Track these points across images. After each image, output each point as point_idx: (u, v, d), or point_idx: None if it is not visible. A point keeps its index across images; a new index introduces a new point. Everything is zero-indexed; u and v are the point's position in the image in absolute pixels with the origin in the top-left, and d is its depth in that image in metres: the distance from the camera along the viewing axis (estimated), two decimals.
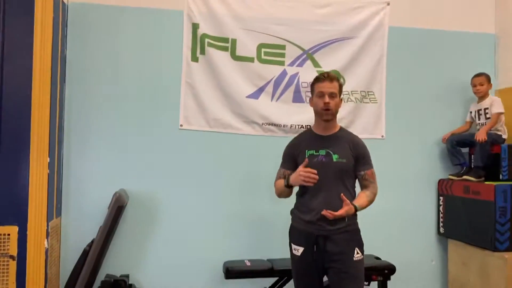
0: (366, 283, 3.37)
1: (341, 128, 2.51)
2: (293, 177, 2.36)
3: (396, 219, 3.81)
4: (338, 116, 3.65)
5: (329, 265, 2.32)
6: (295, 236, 2.46)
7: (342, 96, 2.49)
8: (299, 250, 2.39)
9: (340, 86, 2.43)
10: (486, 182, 3.42)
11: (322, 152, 2.37)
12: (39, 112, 2.90)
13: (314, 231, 2.33)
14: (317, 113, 2.45)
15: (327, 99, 2.33)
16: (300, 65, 3.68)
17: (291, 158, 2.49)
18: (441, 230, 3.85)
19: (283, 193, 2.50)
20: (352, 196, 2.43)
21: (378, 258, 3.47)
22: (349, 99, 3.74)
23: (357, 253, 2.34)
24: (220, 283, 3.45)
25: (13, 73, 2.86)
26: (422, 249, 3.89)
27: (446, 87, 3.97)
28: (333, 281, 2.33)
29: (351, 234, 2.37)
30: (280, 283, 3.19)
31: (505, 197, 3.26)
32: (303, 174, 2.26)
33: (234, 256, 3.37)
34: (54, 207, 3.14)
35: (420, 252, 3.88)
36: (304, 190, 2.44)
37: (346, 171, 2.38)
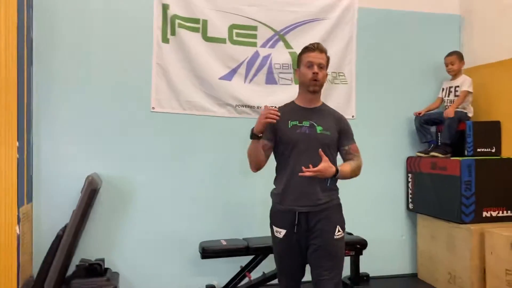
0: None
1: (324, 103, 2.43)
2: (257, 122, 2.21)
3: (367, 197, 3.92)
4: None
5: (309, 242, 2.26)
6: (276, 217, 2.36)
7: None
8: (281, 233, 2.30)
9: (328, 59, 2.36)
10: (452, 158, 3.55)
11: (306, 123, 2.28)
12: (6, 96, 2.82)
13: (295, 208, 2.25)
14: (303, 84, 2.33)
15: (315, 69, 2.25)
16: (272, 46, 3.70)
17: (271, 128, 2.30)
18: (410, 206, 3.98)
19: (253, 152, 2.30)
20: (328, 183, 2.30)
21: (350, 234, 3.57)
22: None
23: (338, 231, 2.28)
24: (197, 263, 3.48)
25: None
26: (393, 224, 4.03)
27: (415, 67, 4.09)
28: (312, 258, 2.27)
29: (333, 211, 2.30)
30: (256, 261, 3.24)
31: (469, 172, 3.40)
32: (263, 112, 2.17)
33: (210, 236, 3.39)
34: (25, 193, 3.08)
35: (391, 228, 4.02)
36: (283, 165, 2.33)
37: (329, 144, 2.28)
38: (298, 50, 3.64)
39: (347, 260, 3.56)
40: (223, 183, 3.64)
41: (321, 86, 2.34)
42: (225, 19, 3.59)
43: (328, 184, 2.28)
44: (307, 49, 2.33)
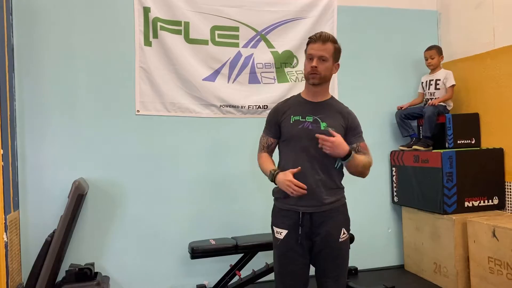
0: None
1: (333, 97, 2.28)
2: (280, 181, 2.08)
3: (352, 192, 3.94)
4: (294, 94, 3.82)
5: (313, 244, 2.15)
6: (277, 217, 2.22)
7: (338, 62, 2.24)
8: (282, 233, 2.16)
9: (336, 50, 2.17)
10: (433, 151, 3.63)
11: (309, 118, 2.14)
12: None
13: (299, 208, 2.12)
14: (305, 77, 2.21)
15: (314, 63, 2.10)
16: (254, 46, 3.74)
17: (275, 124, 2.23)
18: (395, 199, 4.06)
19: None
20: (339, 171, 2.22)
21: None
22: (303, 78, 3.82)
23: (343, 233, 2.16)
24: (186, 264, 3.51)
25: None
26: (379, 218, 4.11)
27: (395, 62, 4.17)
28: (317, 260, 2.18)
29: (338, 212, 2.17)
30: (245, 259, 3.28)
31: (451, 163, 3.48)
32: (292, 187, 2.03)
33: (199, 236, 3.42)
34: (11, 200, 3.07)
35: (377, 221, 4.09)
36: (286, 161, 2.19)
37: None
38: (279, 50, 3.78)
39: None
40: (210, 183, 3.66)
41: (323, 79, 2.16)
42: (206, 21, 3.62)
43: (337, 167, 2.16)
44: (310, 40, 2.17)
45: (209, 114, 3.67)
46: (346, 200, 2.26)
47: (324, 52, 2.12)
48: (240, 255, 3.28)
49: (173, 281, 3.55)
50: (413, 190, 3.81)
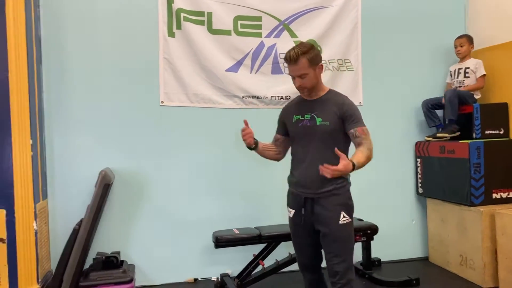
0: None
1: (330, 91, 2.42)
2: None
3: (377, 183, 3.94)
4: None
5: (317, 228, 2.34)
6: (289, 199, 2.49)
7: (319, 64, 2.32)
8: (291, 212, 2.44)
9: (310, 61, 2.25)
10: (460, 141, 3.55)
11: (307, 116, 2.36)
12: (18, 95, 2.88)
13: (302, 193, 2.35)
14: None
15: (298, 82, 2.30)
16: (277, 36, 3.71)
17: (282, 123, 2.51)
18: (420, 190, 4.00)
19: (261, 155, 2.56)
20: (338, 162, 2.30)
21: (361, 220, 3.60)
22: (326, 68, 3.81)
23: (344, 216, 2.31)
24: (210, 253, 3.54)
25: None
26: (403, 209, 4.06)
27: (421, 51, 4.08)
28: (322, 243, 2.36)
29: (339, 197, 2.32)
30: (268, 249, 3.29)
31: (478, 154, 3.41)
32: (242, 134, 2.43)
33: (222, 226, 3.45)
34: (40, 189, 3.14)
35: (401, 213, 4.05)
36: (294, 155, 2.46)
37: (330, 134, 2.30)
38: (303, 39, 3.74)
39: (358, 246, 3.61)
40: (233, 174, 3.68)
41: (312, 89, 2.34)
42: (229, 11, 3.61)
43: (341, 182, 2.34)
44: (285, 60, 2.33)
45: (232, 105, 3.67)
46: (349, 187, 2.40)
47: (301, 70, 2.26)
48: (263, 245, 3.30)
49: (197, 270, 3.59)
50: (439, 182, 3.74)
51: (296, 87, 2.34)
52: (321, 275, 2.52)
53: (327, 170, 2.11)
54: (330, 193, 2.31)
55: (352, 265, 2.36)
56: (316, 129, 2.31)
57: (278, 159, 2.58)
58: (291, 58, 2.25)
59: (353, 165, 2.17)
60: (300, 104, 2.44)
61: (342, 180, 2.34)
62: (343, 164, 2.12)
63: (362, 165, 2.25)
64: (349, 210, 2.36)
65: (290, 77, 2.35)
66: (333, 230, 2.30)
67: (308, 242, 2.42)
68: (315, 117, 2.33)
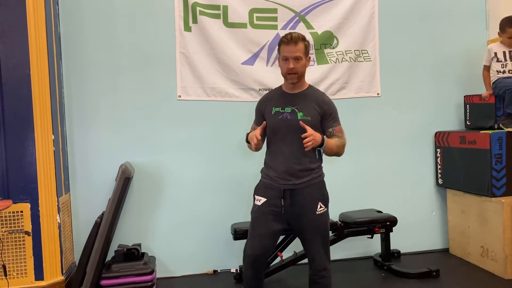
0: (369, 236, 3.52)
1: (310, 86, 2.51)
2: (250, 136, 2.45)
3: (395, 174, 3.91)
4: (334, 77, 3.77)
5: (294, 217, 2.41)
6: (260, 189, 2.51)
7: (309, 56, 2.46)
8: (260, 201, 2.45)
9: (306, 47, 2.38)
10: (481, 131, 3.49)
11: (288, 109, 2.40)
12: (40, 90, 2.94)
13: (280, 185, 2.39)
14: (282, 76, 2.45)
15: (291, 65, 2.33)
16: (293, 27, 3.69)
17: (260, 114, 2.54)
18: (440, 181, 3.95)
19: (250, 146, 2.53)
20: (317, 154, 2.44)
21: (379, 212, 3.59)
22: (343, 59, 3.77)
23: (320, 207, 2.41)
24: (229, 244, 3.58)
25: (10, 53, 2.89)
26: (422, 200, 4.01)
27: (440, 40, 4.00)
28: (299, 231, 2.46)
29: (316, 188, 2.42)
30: (286, 241, 3.31)
31: (500, 145, 3.35)
32: (253, 138, 2.37)
33: (240, 219, 3.47)
34: (63, 183, 3.22)
35: (420, 204, 4.00)
36: (270, 146, 2.50)
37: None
38: (319, 30, 3.72)
39: (377, 238, 3.60)
40: (250, 166, 3.68)
41: (300, 77, 2.40)
42: (245, 4, 3.60)
43: (317, 156, 2.43)
44: (282, 42, 2.37)
45: (248, 98, 3.68)
46: (324, 179, 2.49)
47: (298, 52, 2.33)
48: (282, 237, 3.31)
49: (216, 262, 3.64)
50: (459, 172, 3.69)
51: (287, 71, 2.35)
52: (263, 275, 2.51)
53: (308, 139, 2.21)
54: (308, 184, 2.39)
55: (329, 253, 2.46)
56: (296, 123, 2.35)
57: (258, 150, 2.55)
58: (293, 38, 2.31)
59: (323, 140, 2.30)
60: (280, 96, 2.48)
61: (318, 171, 2.46)
62: (309, 129, 2.25)
63: (331, 147, 2.36)
64: (325, 201, 2.46)
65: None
66: (309, 220, 2.39)
67: (270, 231, 2.43)
68: (296, 111, 2.38)
